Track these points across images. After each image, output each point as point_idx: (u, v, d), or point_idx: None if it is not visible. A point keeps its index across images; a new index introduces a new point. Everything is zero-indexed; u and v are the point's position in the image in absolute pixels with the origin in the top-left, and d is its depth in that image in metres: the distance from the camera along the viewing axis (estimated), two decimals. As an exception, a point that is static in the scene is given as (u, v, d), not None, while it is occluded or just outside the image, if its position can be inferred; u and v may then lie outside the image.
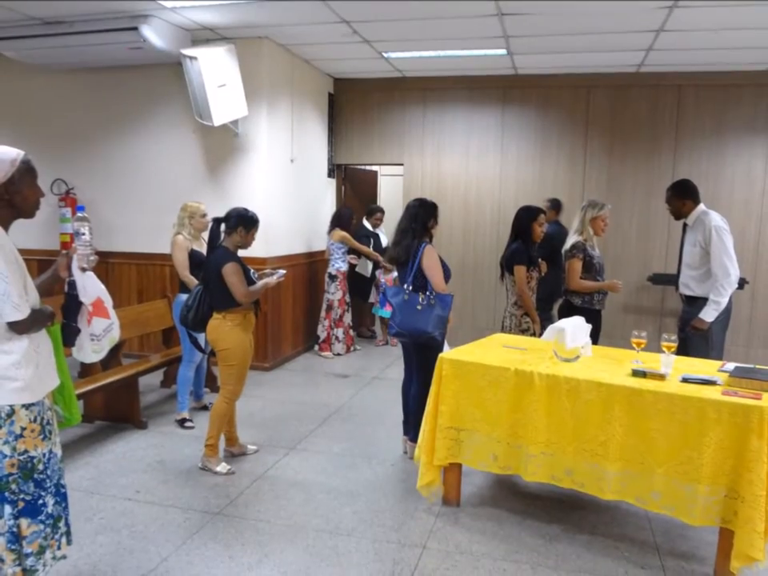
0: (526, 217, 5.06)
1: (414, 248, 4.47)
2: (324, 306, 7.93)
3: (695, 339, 4.75)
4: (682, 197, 4.93)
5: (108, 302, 2.95)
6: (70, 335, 2.86)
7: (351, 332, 8.22)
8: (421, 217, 4.54)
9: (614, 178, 7.96)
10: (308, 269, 8.12)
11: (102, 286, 2.92)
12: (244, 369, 4.42)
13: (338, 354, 7.99)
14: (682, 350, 4.53)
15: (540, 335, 4.76)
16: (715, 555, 3.26)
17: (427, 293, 4.40)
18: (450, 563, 3.36)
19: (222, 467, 4.41)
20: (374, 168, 10.41)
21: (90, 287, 2.85)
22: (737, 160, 7.60)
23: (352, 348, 8.22)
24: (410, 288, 4.45)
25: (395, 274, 5.00)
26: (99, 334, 2.93)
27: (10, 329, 2.48)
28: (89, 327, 2.89)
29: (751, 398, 3.10)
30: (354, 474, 4.48)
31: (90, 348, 2.93)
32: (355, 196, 9.41)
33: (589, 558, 3.43)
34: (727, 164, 7.63)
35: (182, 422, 5.32)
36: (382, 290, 7.99)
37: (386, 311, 7.83)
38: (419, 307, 4.38)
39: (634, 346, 3.76)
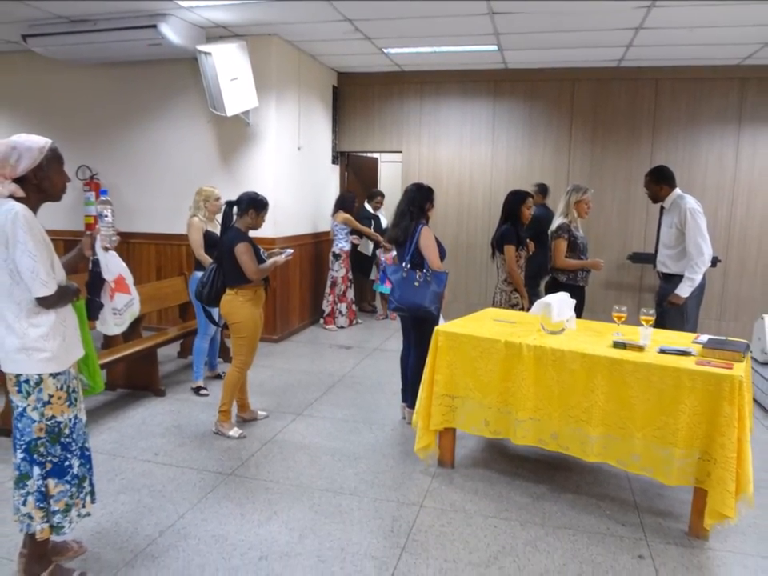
0: (515, 200, 4.99)
1: (411, 229, 4.41)
2: (328, 283, 7.88)
3: (671, 313, 4.72)
4: (660, 182, 4.88)
5: (129, 278, 2.93)
6: (93, 310, 2.84)
7: (354, 307, 8.17)
8: (418, 200, 4.48)
9: (596, 165, 7.88)
10: (314, 248, 8.05)
11: (124, 264, 2.90)
12: (255, 340, 4.38)
13: (342, 327, 7.96)
14: (659, 323, 4.52)
15: (528, 310, 4.72)
16: (690, 513, 3.25)
17: (424, 270, 4.35)
18: (445, 520, 3.34)
19: (234, 432, 4.39)
20: (375, 155, 10.28)
21: (113, 265, 2.83)
22: (710, 148, 7.52)
23: (354, 322, 8.18)
24: (408, 266, 4.40)
25: (394, 253, 4.94)
26: (121, 309, 2.91)
27: (39, 304, 2.48)
28: (111, 302, 2.87)
29: (723, 367, 3.07)
30: (356, 438, 4.46)
31: (113, 321, 2.91)
32: (357, 181, 9.34)
33: (573, 515, 3.42)
34: (701, 152, 7.55)
35: (197, 390, 5.30)
36: (382, 268, 7.97)
37: (386, 287, 7.81)
38: (417, 284, 4.33)
39: (615, 319, 3.72)
